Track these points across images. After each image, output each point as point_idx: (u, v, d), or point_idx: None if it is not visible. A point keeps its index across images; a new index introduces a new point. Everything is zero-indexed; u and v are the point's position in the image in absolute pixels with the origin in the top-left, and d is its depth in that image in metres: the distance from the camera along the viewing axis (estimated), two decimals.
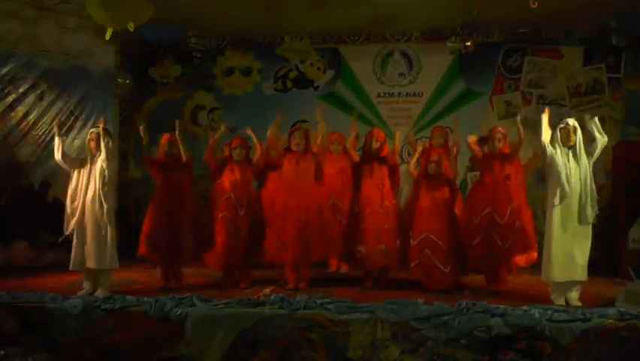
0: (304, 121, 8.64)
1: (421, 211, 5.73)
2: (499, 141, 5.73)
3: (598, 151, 5.10)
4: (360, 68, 8.66)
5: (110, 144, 5.51)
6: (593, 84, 8.18)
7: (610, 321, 4.27)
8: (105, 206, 5.37)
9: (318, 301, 4.66)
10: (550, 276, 5.02)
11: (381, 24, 8.16)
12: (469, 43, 7.62)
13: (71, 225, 5.42)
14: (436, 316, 4.40)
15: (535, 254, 5.58)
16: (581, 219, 4.99)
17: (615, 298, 4.83)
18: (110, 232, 5.41)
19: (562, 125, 5.12)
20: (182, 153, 5.93)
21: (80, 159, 5.60)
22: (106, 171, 5.39)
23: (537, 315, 4.32)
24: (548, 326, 4.24)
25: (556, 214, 5.00)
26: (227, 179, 5.93)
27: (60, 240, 5.54)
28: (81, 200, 5.41)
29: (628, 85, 7.97)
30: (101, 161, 5.42)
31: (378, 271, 5.85)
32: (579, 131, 5.08)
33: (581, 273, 5.01)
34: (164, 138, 5.99)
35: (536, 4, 5.50)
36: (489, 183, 5.65)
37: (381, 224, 5.74)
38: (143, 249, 5.79)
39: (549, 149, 5.07)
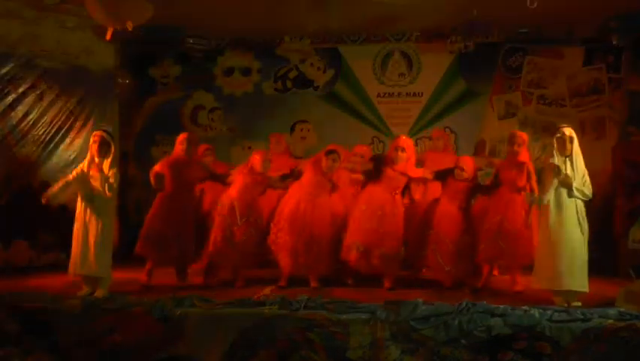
0: (304, 121, 8.68)
1: None
2: (520, 145, 5.79)
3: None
4: (360, 68, 8.65)
5: (113, 148, 5.49)
6: (593, 84, 8.17)
7: (610, 321, 4.27)
8: (105, 214, 5.36)
9: (318, 301, 4.67)
10: (543, 283, 5.03)
11: (381, 24, 8.16)
12: (469, 43, 7.63)
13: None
14: (436, 316, 4.40)
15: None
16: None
17: (615, 298, 4.82)
18: (108, 239, 5.41)
19: (558, 135, 5.12)
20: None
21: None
22: (110, 179, 5.35)
23: (537, 315, 4.33)
24: (548, 326, 4.25)
25: (551, 224, 5.01)
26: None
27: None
28: (85, 206, 5.39)
29: (628, 85, 7.96)
30: (105, 168, 5.38)
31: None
32: (575, 141, 5.09)
33: (580, 283, 4.98)
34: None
35: (535, 4, 5.49)
36: (502, 193, 5.78)
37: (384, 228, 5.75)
38: None
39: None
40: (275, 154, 7.08)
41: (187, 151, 6.09)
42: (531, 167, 5.81)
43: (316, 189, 5.91)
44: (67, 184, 5.48)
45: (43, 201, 5.45)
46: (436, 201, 6.03)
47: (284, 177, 6.24)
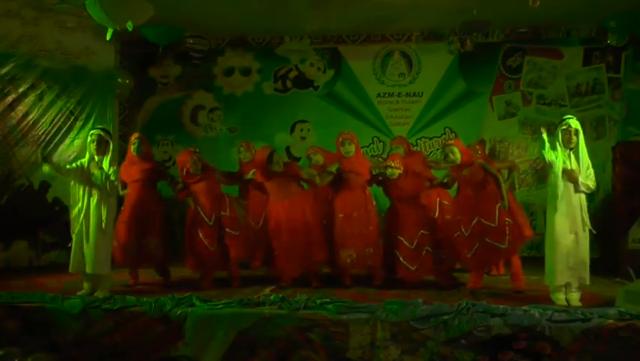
0: (304, 121, 8.69)
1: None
2: (454, 153, 5.66)
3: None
4: (360, 68, 8.66)
5: (112, 145, 5.50)
6: (593, 84, 8.19)
7: (610, 321, 4.27)
8: (105, 211, 5.37)
9: (318, 301, 4.67)
10: (554, 280, 5.00)
11: (381, 24, 8.16)
12: (468, 43, 7.63)
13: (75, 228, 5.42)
14: (435, 316, 4.40)
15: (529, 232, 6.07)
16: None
17: (615, 298, 4.82)
18: (107, 237, 5.42)
19: (563, 127, 5.05)
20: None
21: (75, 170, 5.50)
22: (110, 176, 5.35)
23: (537, 315, 4.32)
24: (548, 326, 4.25)
25: (558, 218, 4.99)
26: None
27: (69, 245, 5.47)
28: (85, 203, 5.39)
29: (628, 85, 7.96)
30: (105, 165, 5.38)
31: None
32: (580, 134, 5.05)
33: (586, 276, 4.99)
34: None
35: (538, 4, 5.47)
36: (468, 194, 5.72)
37: (365, 227, 5.77)
38: None
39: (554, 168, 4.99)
40: (243, 164, 7.09)
41: (137, 151, 6.04)
42: (479, 158, 5.79)
43: (282, 190, 5.85)
44: (66, 169, 5.52)
45: (40, 159, 5.50)
46: (391, 206, 5.97)
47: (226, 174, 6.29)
